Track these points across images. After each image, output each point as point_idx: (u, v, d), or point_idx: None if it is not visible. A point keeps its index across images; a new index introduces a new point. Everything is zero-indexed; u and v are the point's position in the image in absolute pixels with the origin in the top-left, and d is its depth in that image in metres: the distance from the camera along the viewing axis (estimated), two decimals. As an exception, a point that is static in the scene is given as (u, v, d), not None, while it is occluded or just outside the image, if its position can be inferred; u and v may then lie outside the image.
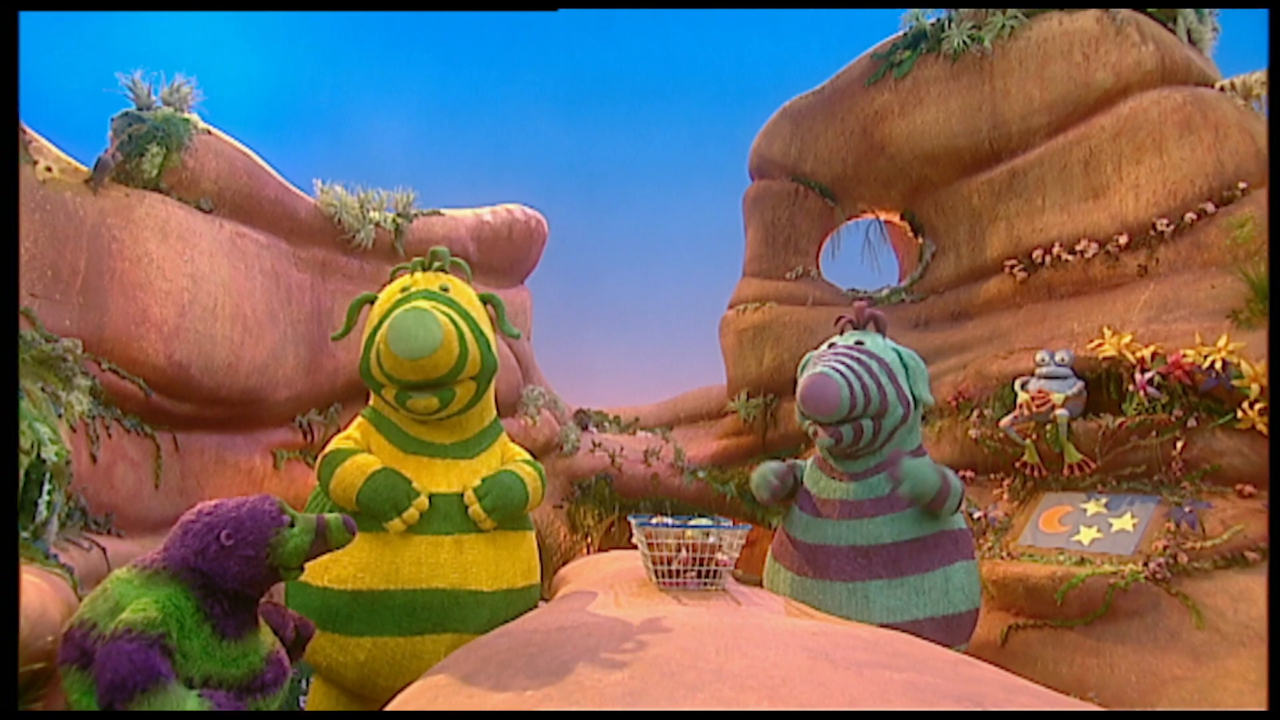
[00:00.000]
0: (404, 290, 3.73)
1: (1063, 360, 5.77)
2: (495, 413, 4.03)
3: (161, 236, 5.84)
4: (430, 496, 3.48)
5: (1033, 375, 5.92)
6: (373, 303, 3.90)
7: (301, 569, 2.74)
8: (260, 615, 2.80)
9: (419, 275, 3.86)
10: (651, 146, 22.04)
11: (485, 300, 3.98)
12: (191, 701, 2.32)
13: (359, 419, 3.84)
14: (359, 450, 3.61)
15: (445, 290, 3.75)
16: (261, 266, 6.64)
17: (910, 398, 4.39)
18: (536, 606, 3.86)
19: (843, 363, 4.31)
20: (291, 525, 2.67)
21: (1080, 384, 5.68)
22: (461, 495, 3.54)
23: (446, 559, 3.42)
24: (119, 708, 2.25)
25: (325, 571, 3.36)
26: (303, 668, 5.11)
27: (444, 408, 3.54)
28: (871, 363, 4.33)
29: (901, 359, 4.46)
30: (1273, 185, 5.54)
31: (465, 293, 3.86)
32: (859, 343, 4.50)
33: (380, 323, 3.58)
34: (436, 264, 3.95)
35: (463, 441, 3.73)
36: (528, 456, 3.99)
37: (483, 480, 3.61)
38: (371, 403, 3.86)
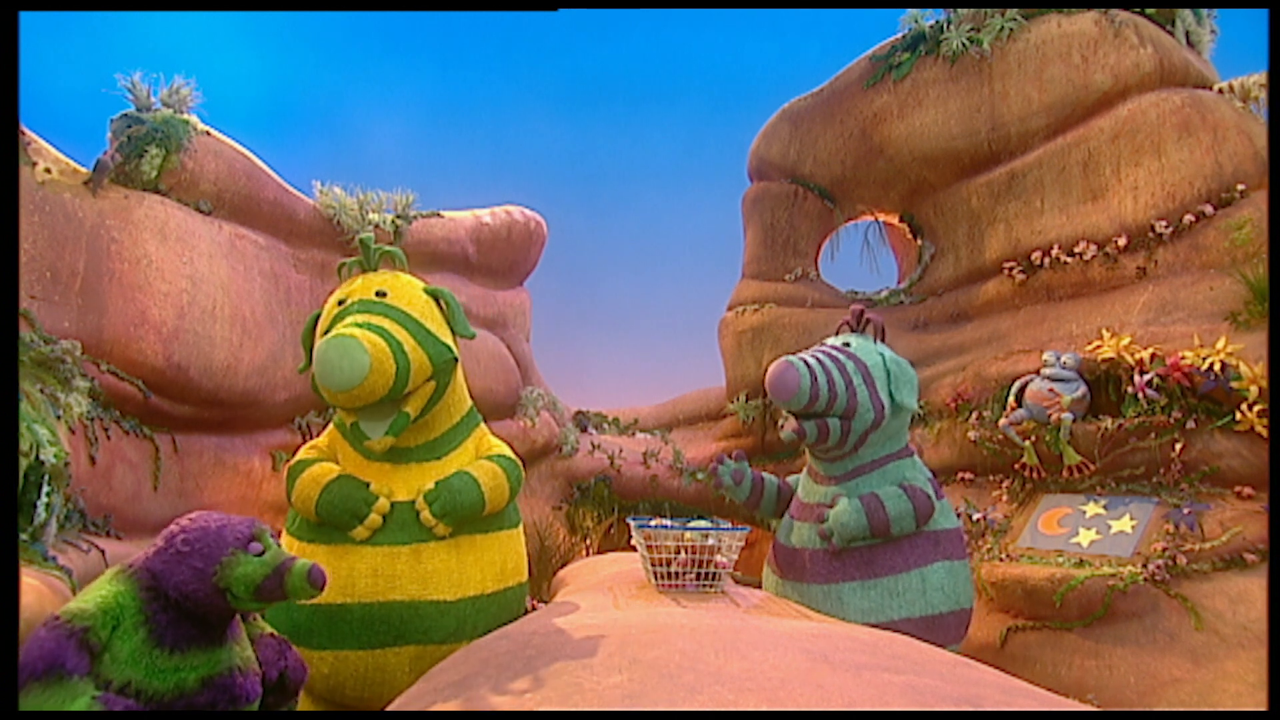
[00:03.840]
0: (340, 304, 3.59)
1: (1067, 364, 5.76)
2: (470, 406, 3.92)
3: (160, 238, 5.84)
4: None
5: (1036, 375, 5.91)
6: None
7: (259, 603, 2.58)
8: (242, 638, 2.68)
9: (358, 280, 3.72)
10: (651, 148, 22.06)
11: (435, 296, 3.80)
12: (80, 702, 2.23)
13: (330, 425, 3.79)
14: (320, 459, 3.56)
15: (382, 295, 3.59)
16: (260, 268, 6.64)
17: (885, 403, 4.36)
18: (522, 606, 3.82)
19: (815, 356, 4.36)
20: (249, 550, 2.55)
21: (1084, 388, 5.67)
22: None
23: (404, 570, 3.33)
24: (21, 692, 2.19)
25: None
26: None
27: (399, 434, 3.43)
28: (848, 363, 4.35)
29: (885, 364, 4.45)
30: (1272, 187, 5.55)
31: (405, 292, 3.69)
32: (846, 344, 4.52)
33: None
34: (374, 258, 3.84)
35: (429, 443, 3.63)
36: (504, 451, 3.83)
37: (435, 484, 3.48)
38: None
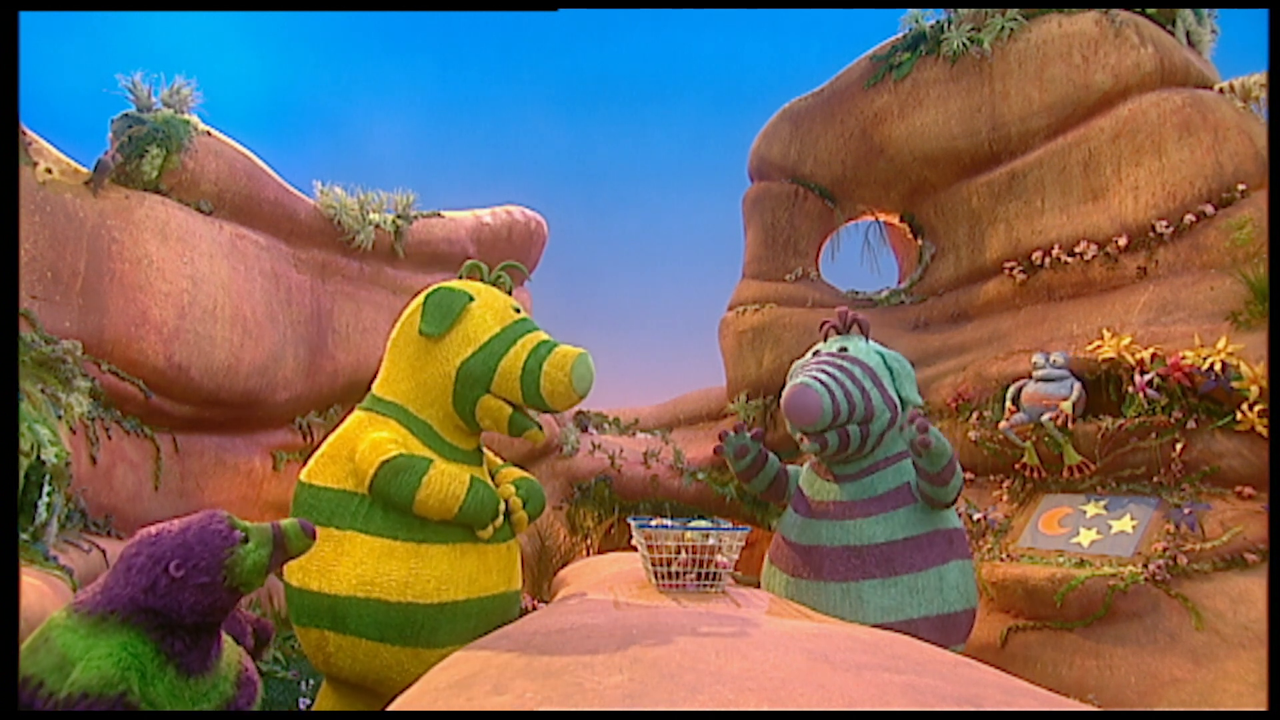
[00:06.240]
0: (517, 311, 3.78)
1: (1057, 362, 5.77)
2: None
3: (161, 238, 5.85)
4: None
5: (1028, 378, 5.92)
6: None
7: (262, 581, 2.57)
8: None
9: (514, 299, 3.87)
10: (651, 148, 22.09)
11: None
12: None
13: (380, 418, 3.57)
14: (425, 456, 3.45)
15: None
16: (261, 268, 6.65)
17: (896, 400, 4.37)
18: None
19: (824, 371, 4.31)
20: (245, 540, 2.47)
21: (1078, 385, 5.67)
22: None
23: (505, 563, 3.59)
24: None
25: (407, 587, 3.26)
26: (303, 668, 5.11)
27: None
28: (854, 368, 4.33)
29: (885, 361, 4.46)
30: (1273, 187, 5.55)
31: None
32: (842, 349, 4.50)
33: (504, 334, 3.60)
34: (507, 280, 4.02)
35: (475, 449, 3.77)
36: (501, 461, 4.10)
37: (517, 486, 3.71)
38: (400, 401, 3.60)
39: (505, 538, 3.60)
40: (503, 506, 3.52)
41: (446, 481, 3.32)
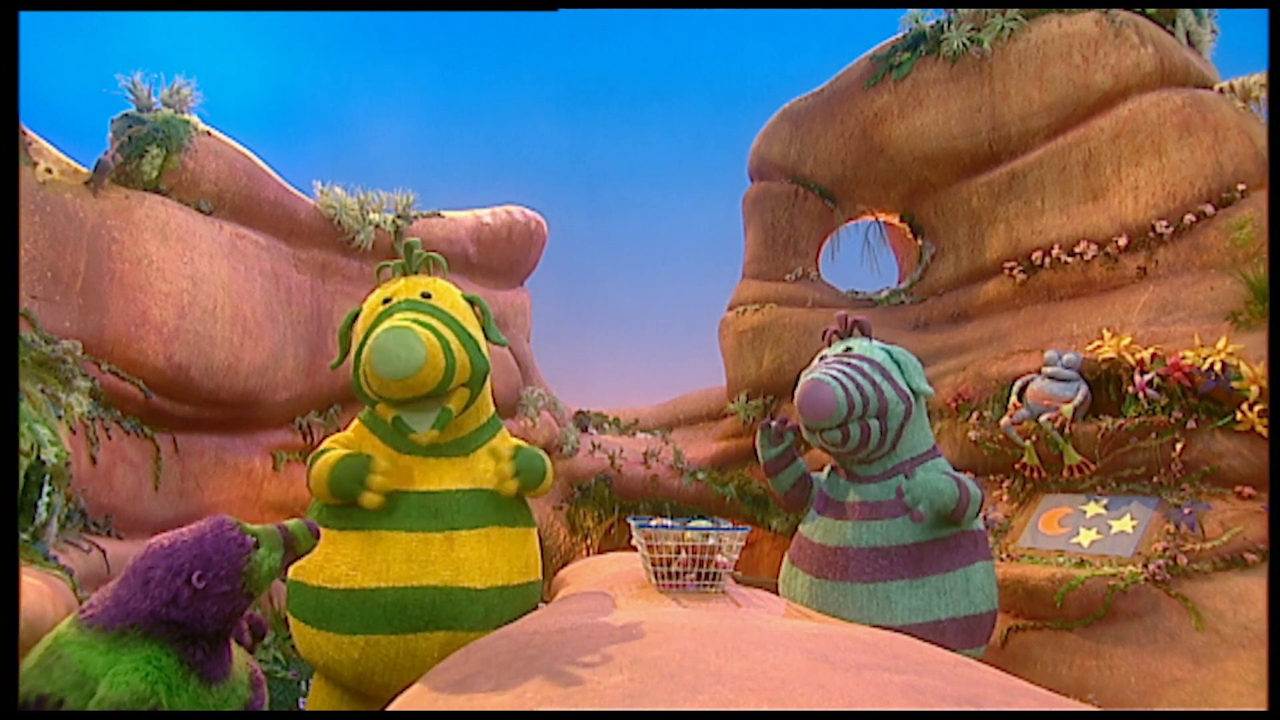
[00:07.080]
0: (386, 301, 3.67)
1: (1070, 363, 5.75)
2: (493, 410, 3.99)
3: (161, 238, 5.85)
4: (421, 493, 3.48)
5: (1038, 374, 5.91)
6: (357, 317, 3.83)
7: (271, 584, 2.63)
8: None
9: (401, 282, 3.79)
10: (651, 148, 22.09)
11: (471, 302, 3.90)
12: None
13: (356, 421, 3.81)
14: (339, 449, 3.59)
15: (428, 297, 3.69)
16: (261, 268, 6.65)
17: (909, 392, 4.38)
18: (537, 603, 3.85)
19: (834, 368, 4.34)
20: (258, 546, 2.51)
21: (1084, 387, 5.66)
22: (454, 492, 3.52)
23: (437, 555, 3.39)
24: None
25: (320, 570, 3.37)
26: (302, 668, 5.12)
27: (444, 429, 3.52)
28: (863, 364, 4.36)
29: (892, 356, 4.48)
30: (1273, 187, 5.55)
31: (449, 295, 3.79)
32: (847, 349, 4.54)
33: (365, 339, 3.51)
34: (416, 262, 3.90)
35: (458, 440, 3.70)
36: (530, 446, 3.97)
37: (513, 455, 3.66)
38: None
39: (437, 528, 3.43)
40: (377, 481, 3.37)
41: (319, 468, 3.45)
